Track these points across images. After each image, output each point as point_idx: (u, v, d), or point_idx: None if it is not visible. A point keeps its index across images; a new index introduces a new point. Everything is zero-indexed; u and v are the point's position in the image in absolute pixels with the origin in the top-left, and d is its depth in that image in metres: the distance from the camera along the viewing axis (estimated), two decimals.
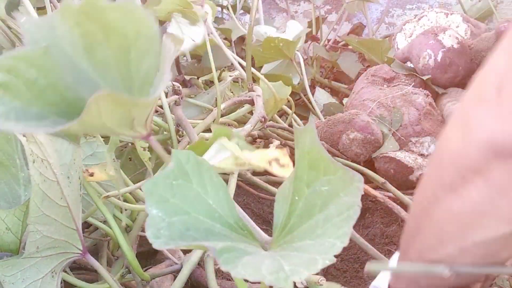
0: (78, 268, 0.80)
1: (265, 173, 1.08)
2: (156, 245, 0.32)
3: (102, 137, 0.70)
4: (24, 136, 0.41)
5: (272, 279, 0.31)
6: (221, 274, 0.79)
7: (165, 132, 0.91)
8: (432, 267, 0.42)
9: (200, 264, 0.72)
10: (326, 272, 0.94)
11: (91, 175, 0.52)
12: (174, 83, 0.95)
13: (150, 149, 0.85)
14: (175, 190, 0.35)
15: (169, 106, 0.91)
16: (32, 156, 0.41)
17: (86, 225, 0.81)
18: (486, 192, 0.37)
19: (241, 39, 1.48)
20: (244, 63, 1.06)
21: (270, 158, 0.50)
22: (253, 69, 1.04)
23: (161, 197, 0.34)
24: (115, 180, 0.58)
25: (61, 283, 0.66)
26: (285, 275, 0.31)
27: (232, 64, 1.04)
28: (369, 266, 0.42)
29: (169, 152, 0.93)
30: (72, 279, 0.61)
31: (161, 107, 0.91)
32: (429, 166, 0.46)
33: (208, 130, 0.99)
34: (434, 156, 0.46)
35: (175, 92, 0.93)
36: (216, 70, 0.95)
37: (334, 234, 0.34)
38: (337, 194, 0.35)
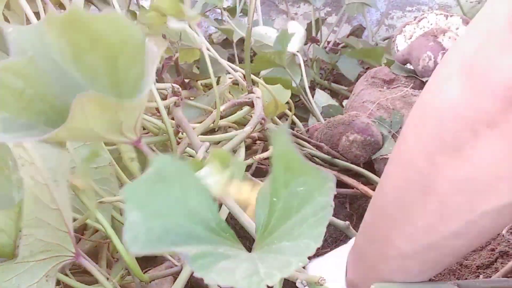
0: (79, 270, 0.80)
1: (266, 174, 1.08)
2: (133, 249, 0.31)
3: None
4: None
5: (245, 284, 0.30)
6: None
7: (164, 134, 0.91)
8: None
9: None
10: None
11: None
12: (174, 84, 0.95)
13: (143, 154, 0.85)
14: (155, 194, 0.34)
15: (169, 108, 0.91)
16: (20, 159, 0.41)
17: (85, 228, 0.81)
18: (504, 148, 0.31)
19: (241, 40, 1.48)
20: (241, 71, 1.06)
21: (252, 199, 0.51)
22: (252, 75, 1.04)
23: (140, 201, 0.33)
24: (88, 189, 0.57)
25: (60, 285, 0.66)
26: (258, 279, 0.31)
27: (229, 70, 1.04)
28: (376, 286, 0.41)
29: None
30: (70, 281, 0.61)
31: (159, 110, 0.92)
32: (409, 133, 0.38)
33: (207, 132, 0.99)
34: (416, 118, 0.38)
35: (175, 93, 0.93)
36: (215, 77, 0.95)
37: (309, 235, 0.34)
38: (312, 194, 0.35)
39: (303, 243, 0.34)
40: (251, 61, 1.18)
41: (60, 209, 0.47)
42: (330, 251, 0.94)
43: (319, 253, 0.94)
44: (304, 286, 0.55)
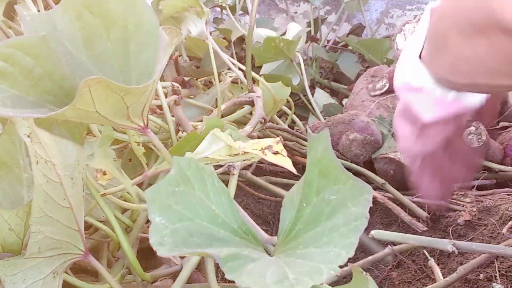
0: (77, 270, 0.80)
1: (266, 173, 1.08)
2: (160, 252, 0.31)
3: None
4: (28, 136, 0.41)
5: None
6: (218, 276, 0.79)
7: (164, 133, 0.91)
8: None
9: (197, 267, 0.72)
10: None
11: (104, 173, 0.52)
12: (174, 83, 0.95)
13: (149, 148, 0.85)
14: (178, 196, 0.35)
15: (169, 106, 0.91)
16: (35, 157, 0.41)
17: (86, 226, 0.81)
18: None
19: (240, 39, 1.48)
20: (242, 66, 1.06)
21: (263, 146, 0.50)
22: (252, 72, 1.04)
23: (164, 204, 0.34)
24: (117, 176, 0.57)
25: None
26: (289, 284, 0.31)
27: (230, 68, 1.04)
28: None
29: None
30: (73, 279, 0.61)
31: (160, 108, 0.91)
32: None
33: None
34: None
35: (175, 92, 0.93)
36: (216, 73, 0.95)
37: (340, 244, 0.33)
38: (345, 204, 0.35)
39: (333, 252, 0.33)
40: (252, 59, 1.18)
41: (72, 207, 0.47)
42: None
43: None
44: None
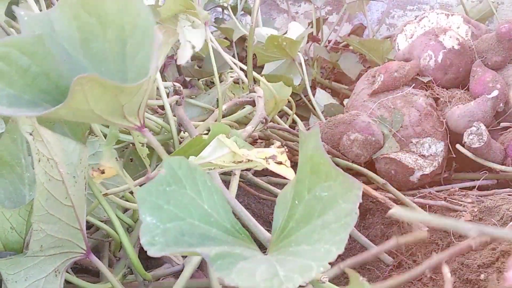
0: (79, 270, 0.80)
1: (266, 173, 1.08)
2: (151, 252, 0.31)
3: (105, 137, 0.70)
4: (30, 134, 0.41)
5: (266, 286, 0.30)
6: None
7: (165, 133, 0.91)
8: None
9: (199, 267, 0.72)
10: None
11: (103, 172, 0.52)
12: (175, 83, 0.95)
13: (151, 149, 0.85)
14: (169, 196, 0.35)
15: (170, 106, 0.91)
16: (38, 155, 0.41)
17: (88, 226, 0.81)
18: None
19: (242, 39, 1.48)
20: (243, 66, 1.06)
21: (267, 155, 0.50)
22: (253, 72, 1.04)
23: (155, 204, 0.34)
24: (120, 174, 0.57)
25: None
26: (279, 282, 0.31)
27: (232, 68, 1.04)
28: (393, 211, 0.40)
29: (169, 153, 0.93)
30: (75, 279, 0.61)
31: (162, 108, 0.91)
32: None
33: (209, 130, 0.99)
34: None
35: (176, 92, 0.93)
36: (217, 73, 0.95)
37: (330, 240, 0.33)
38: (336, 200, 0.35)
39: (324, 248, 0.33)
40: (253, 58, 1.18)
41: (74, 205, 0.47)
42: None
43: None
44: (306, 284, 0.55)
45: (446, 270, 0.69)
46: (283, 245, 0.37)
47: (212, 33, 1.76)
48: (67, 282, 0.64)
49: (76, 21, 0.41)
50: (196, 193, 0.36)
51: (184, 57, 0.87)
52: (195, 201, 0.36)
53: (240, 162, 0.52)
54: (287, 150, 0.56)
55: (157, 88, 0.87)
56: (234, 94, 1.20)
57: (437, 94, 1.13)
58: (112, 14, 0.40)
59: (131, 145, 0.91)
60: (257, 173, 1.04)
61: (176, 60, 1.07)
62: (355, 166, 1.06)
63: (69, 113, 0.38)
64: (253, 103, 1.01)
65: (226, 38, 1.43)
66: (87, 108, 0.37)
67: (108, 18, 0.40)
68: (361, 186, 0.35)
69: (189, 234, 0.34)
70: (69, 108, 0.37)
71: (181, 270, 0.66)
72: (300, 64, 1.30)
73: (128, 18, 0.40)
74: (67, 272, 0.61)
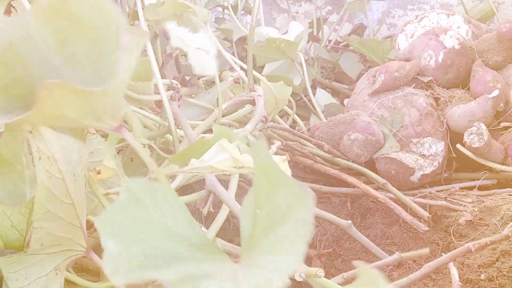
0: (79, 269, 0.80)
1: None
2: (115, 280, 0.30)
3: (102, 136, 0.70)
4: (30, 132, 0.41)
5: None
6: None
7: (165, 137, 0.91)
8: None
9: None
10: (327, 273, 0.94)
11: (99, 173, 0.52)
12: (173, 80, 0.95)
13: (150, 148, 0.85)
14: (130, 219, 0.34)
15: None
16: (38, 152, 0.41)
17: (88, 225, 0.81)
18: None
19: (242, 39, 1.48)
20: (244, 65, 1.06)
21: None
22: (254, 72, 1.04)
23: (116, 229, 0.32)
24: (118, 175, 0.57)
25: None
26: None
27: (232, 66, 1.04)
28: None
29: (169, 152, 0.92)
30: (76, 278, 0.61)
31: (159, 106, 0.91)
32: None
33: (209, 130, 0.99)
34: None
35: (171, 87, 0.92)
36: (217, 72, 0.95)
37: (290, 251, 0.33)
38: (293, 210, 0.34)
39: (285, 259, 0.32)
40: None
41: (74, 203, 0.47)
42: (331, 250, 0.94)
43: (321, 253, 0.94)
44: (302, 279, 0.55)
45: (453, 271, 0.69)
46: (252, 254, 0.36)
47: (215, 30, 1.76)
48: (67, 281, 0.63)
49: (50, 25, 0.41)
50: (159, 212, 0.35)
51: (201, 65, 0.86)
52: (158, 221, 0.35)
53: (241, 167, 0.52)
54: (288, 158, 0.56)
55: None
56: (234, 93, 1.20)
57: (438, 94, 1.13)
58: (85, 17, 0.40)
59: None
60: None
61: (175, 59, 1.07)
62: (355, 166, 1.06)
63: (42, 118, 0.38)
64: (253, 102, 1.01)
65: (225, 39, 1.43)
66: (58, 113, 0.37)
67: (81, 20, 0.40)
68: (313, 193, 0.34)
69: (154, 256, 0.33)
70: (40, 113, 0.37)
71: None
72: (301, 64, 1.30)
73: (101, 20, 0.40)
74: (67, 270, 0.61)
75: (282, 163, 0.52)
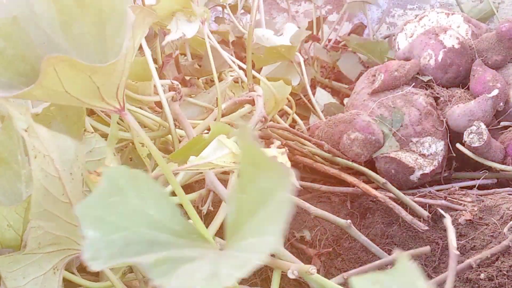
0: (78, 269, 0.80)
1: None
2: (95, 266, 0.30)
3: (102, 135, 0.70)
4: (26, 131, 0.41)
5: (203, 287, 0.29)
6: None
7: (165, 138, 0.91)
8: None
9: None
10: (327, 272, 0.94)
11: (99, 175, 0.52)
12: (173, 81, 0.95)
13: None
14: (111, 207, 0.33)
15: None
16: (34, 151, 0.41)
17: None
18: None
19: (241, 39, 1.47)
20: (243, 65, 1.06)
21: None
22: (253, 71, 1.04)
23: (97, 217, 0.32)
24: None
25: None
26: (217, 282, 0.30)
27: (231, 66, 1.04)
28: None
29: (169, 152, 0.92)
30: (74, 277, 0.61)
31: (159, 106, 0.91)
32: None
33: (209, 130, 0.99)
34: None
35: (172, 88, 0.93)
36: (216, 72, 0.95)
37: (270, 231, 0.33)
38: (276, 189, 0.34)
39: (264, 240, 0.32)
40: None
41: (71, 202, 0.47)
42: (331, 250, 0.94)
43: (320, 252, 0.94)
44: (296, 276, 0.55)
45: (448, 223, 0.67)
46: (235, 239, 0.36)
47: (212, 32, 1.76)
48: (66, 280, 0.63)
49: (55, 4, 0.41)
50: (140, 200, 0.35)
51: (168, 38, 0.87)
52: (140, 209, 0.35)
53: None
54: (287, 151, 0.56)
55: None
56: (234, 93, 1.20)
57: (437, 93, 1.13)
58: None
59: (130, 144, 0.91)
60: None
61: (175, 59, 1.07)
62: (355, 165, 1.05)
63: (44, 94, 0.38)
64: (252, 102, 1.01)
65: (222, 40, 1.43)
66: (61, 89, 0.37)
67: (86, 1, 0.40)
68: (293, 172, 0.34)
69: (135, 243, 0.33)
70: (42, 89, 0.36)
71: None
72: (299, 64, 1.30)
73: (106, 1, 0.40)
74: (68, 271, 0.61)
75: (282, 156, 0.52)
